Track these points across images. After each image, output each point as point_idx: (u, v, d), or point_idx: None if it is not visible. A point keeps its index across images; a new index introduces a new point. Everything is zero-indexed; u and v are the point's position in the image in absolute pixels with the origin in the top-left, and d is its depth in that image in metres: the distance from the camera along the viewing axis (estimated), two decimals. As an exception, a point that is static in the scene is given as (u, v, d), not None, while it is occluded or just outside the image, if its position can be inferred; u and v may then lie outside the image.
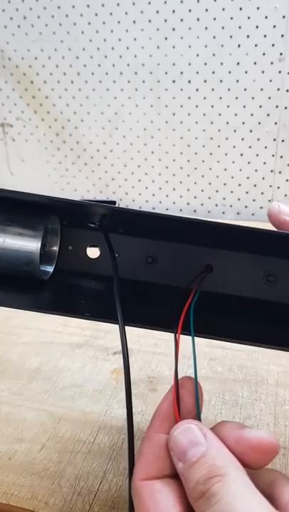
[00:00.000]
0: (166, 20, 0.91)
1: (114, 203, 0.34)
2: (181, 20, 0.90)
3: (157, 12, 0.90)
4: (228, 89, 0.93)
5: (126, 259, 0.36)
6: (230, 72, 0.92)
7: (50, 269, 0.36)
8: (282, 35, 0.87)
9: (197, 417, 0.27)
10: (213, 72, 0.92)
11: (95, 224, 0.35)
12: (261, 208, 1.00)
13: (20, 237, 0.33)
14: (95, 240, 0.37)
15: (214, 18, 0.88)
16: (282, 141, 0.94)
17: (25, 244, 0.33)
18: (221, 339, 0.31)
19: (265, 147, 0.96)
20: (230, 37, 0.89)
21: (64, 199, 0.31)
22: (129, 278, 0.36)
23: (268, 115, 0.93)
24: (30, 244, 0.33)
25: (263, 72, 0.90)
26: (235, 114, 0.95)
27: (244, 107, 0.94)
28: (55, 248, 0.37)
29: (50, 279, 0.36)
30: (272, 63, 0.89)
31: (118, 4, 0.91)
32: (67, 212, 0.35)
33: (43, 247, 0.34)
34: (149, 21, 0.91)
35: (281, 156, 0.96)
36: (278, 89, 0.91)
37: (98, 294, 0.37)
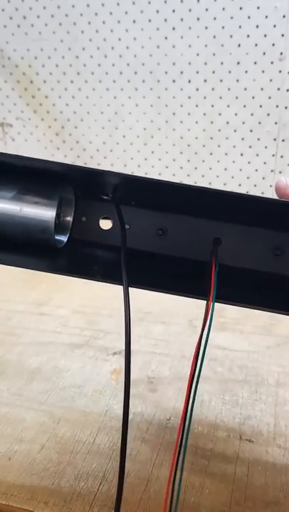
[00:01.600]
0: (166, 20, 0.90)
1: None
2: (181, 19, 0.90)
3: (157, 12, 0.90)
4: (228, 89, 0.93)
5: (137, 230, 0.38)
6: (230, 72, 0.92)
7: (64, 238, 0.38)
8: (283, 35, 0.87)
9: None
10: (214, 72, 0.92)
11: (108, 196, 0.36)
12: (261, 207, 1.00)
13: (37, 205, 0.34)
14: (108, 212, 0.38)
15: (214, 18, 0.88)
16: (283, 140, 0.94)
17: (41, 212, 0.34)
18: (242, 305, 0.33)
19: (266, 147, 0.96)
20: (231, 36, 0.89)
21: (78, 166, 0.32)
22: (138, 248, 0.37)
23: (268, 115, 0.93)
24: (45, 213, 0.34)
25: (263, 71, 0.90)
26: (236, 114, 0.94)
27: (244, 106, 0.94)
28: (70, 218, 0.38)
29: (64, 248, 0.37)
30: (272, 63, 0.89)
31: (118, 4, 0.91)
32: (81, 183, 0.37)
33: (58, 216, 0.36)
34: (149, 21, 0.91)
35: (281, 156, 0.96)
36: (278, 89, 0.91)
37: (110, 262, 0.38)
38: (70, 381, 0.53)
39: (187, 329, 0.63)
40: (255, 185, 0.99)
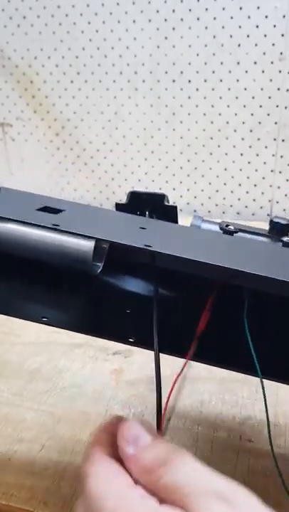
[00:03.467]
0: (166, 20, 0.90)
1: (163, 196, 0.37)
2: (181, 19, 0.90)
3: (157, 11, 0.90)
4: (228, 89, 0.93)
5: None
6: (230, 72, 0.92)
7: (100, 264, 0.37)
8: (283, 35, 0.87)
9: None
10: (214, 72, 0.92)
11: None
12: (261, 207, 1.00)
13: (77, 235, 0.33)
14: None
15: (214, 18, 0.88)
16: (283, 140, 0.94)
17: (81, 242, 0.34)
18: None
19: (266, 147, 0.96)
20: (231, 36, 0.89)
21: (118, 243, 0.29)
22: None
23: (268, 115, 0.93)
24: (85, 243, 0.34)
25: (263, 71, 0.90)
26: (236, 114, 0.94)
27: (244, 106, 0.93)
28: (106, 246, 0.37)
29: (99, 274, 0.37)
30: (272, 63, 0.89)
31: (118, 4, 0.91)
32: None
33: (97, 244, 0.36)
34: (149, 21, 0.91)
35: (281, 156, 0.96)
36: (278, 89, 0.91)
37: (141, 302, 0.37)
38: (70, 381, 0.53)
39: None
40: (255, 185, 0.99)
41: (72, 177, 1.08)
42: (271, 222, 0.38)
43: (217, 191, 1.01)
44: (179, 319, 0.34)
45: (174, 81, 0.95)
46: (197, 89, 0.94)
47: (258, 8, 0.86)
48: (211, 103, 0.95)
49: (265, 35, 0.87)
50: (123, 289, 0.38)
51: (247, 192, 1.00)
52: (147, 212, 0.37)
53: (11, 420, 0.47)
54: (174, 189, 1.04)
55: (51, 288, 0.38)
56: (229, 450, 0.43)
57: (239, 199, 1.01)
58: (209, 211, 1.03)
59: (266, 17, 0.86)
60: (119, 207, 0.38)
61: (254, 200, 1.00)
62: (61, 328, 0.37)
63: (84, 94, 1.01)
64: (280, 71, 0.89)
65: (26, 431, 0.46)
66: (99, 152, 1.05)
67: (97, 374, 0.54)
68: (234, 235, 0.36)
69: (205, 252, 0.30)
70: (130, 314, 0.37)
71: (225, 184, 1.00)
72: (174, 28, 0.91)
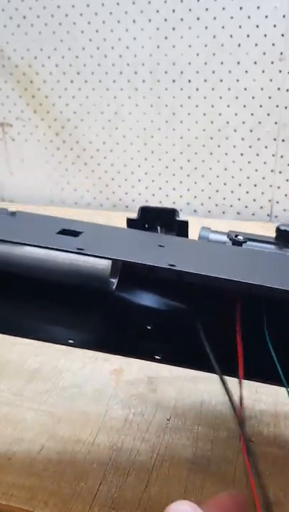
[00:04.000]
0: (166, 20, 0.90)
1: (174, 211, 0.38)
2: (181, 19, 0.90)
3: (157, 11, 0.90)
4: (229, 89, 0.93)
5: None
6: (230, 72, 0.92)
7: (114, 281, 0.37)
8: (283, 35, 0.87)
9: None
10: (214, 72, 0.92)
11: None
12: (261, 207, 1.00)
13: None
14: None
15: (214, 18, 0.88)
16: (283, 140, 0.94)
17: (98, 260, 0.35)
18: None
19: (266, 147, 0.96)
20: (231, 36, 0.89)
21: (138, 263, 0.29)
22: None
23: (268, 115, 0.93)
24: (102, 261, 0.35)
25: (263, 71, 0.90)
26: (236, 114, 0.94)
27: (244, 106, 0.94)
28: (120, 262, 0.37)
29: (114, 290, 0.37)
30: (272, 63, 0.89)
31: (118, 3, 0.91)
32: None
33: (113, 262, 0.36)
34: (149, 21, 0.91)
35: (281, 156, 0.96)
36: (278, 89, 0.91)
37: (160, 316, 0.37)
38: (70, 381, 0.53)
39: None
40: (255, 185, 0.99)
41: (72, 177, 1.08)
42: (278, 229, 0.39)
43: (217, 191, 1.01)
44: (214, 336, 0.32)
45: (174, 81, 0.95)
46: (197, 89, 0.94)
47: (258, 8, 0.86)
48: (211, 103, 0.95)
49: (265, 35, 0.87)
50: (139, 305, 0.38)
51: (247, 192, 1.00)
52: (159, 227, 0.38)
53: (11, 420, 0.47)
54: (174, 189, 1.04)
55: (69, 308, 0.38)
56: (229, 450, 0.43)
57: (239, 199, 1.01)
58: (209, 211, 1.03)
59: (266, 17, 0.86)
60: (130, 222, 0.39)
61: (254, 200, 1.00)
62: (87, 349, 0.38)
63: (84, 94, 1.01)
64: (280, 71, 0.89)
65: (26, 431, 0.46)
66: (99, 152, 1.05)
67: (97, 374, 0.54)
68: (243, 245, 0.37)
69: (228, 267, 0.31)
70: (152, 330, 0.36)
71: (225, 184, 1.00)
72: (174, 28, 0.91)
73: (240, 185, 1.00)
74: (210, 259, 0.33)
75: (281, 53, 0.88)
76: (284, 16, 0.85)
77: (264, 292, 0.27)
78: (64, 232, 0.33)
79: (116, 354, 0.39)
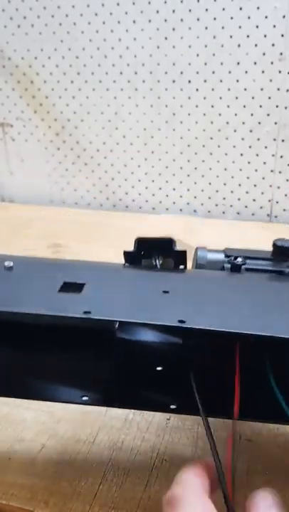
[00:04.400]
0: (166, 20, 0.91)
1: (171, 240, 0.38)
2: (181, 20, 0.90)
3: (157, 12, 0.90)
4: (228, 89, 0.93)
5: None
6: (230, 72, 0.92)
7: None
8: (282, 35, 0.87)
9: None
10: (213, 72, 0.92)
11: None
12: (261, 207, 1.00)
13: None
14: None
15: (214, 18, 0.88)
16: (283, 140, 0.94)
17: None
18: None
19: (265, 147, 0.96)
20: (230, 37, 0.89)
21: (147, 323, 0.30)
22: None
23: (268, 115, 0.93)
24: None
25: (263, 72, 0.90)
26: (235, 114, 0.95)
27: (244, 106, 0.94)
28: None
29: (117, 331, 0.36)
30: (272, 63, 0.89)
31: (118, 4, 0.91)
32: None
33: None
34: (149, 21, 0.91)
35: (281, 156, 0.96)
36: (278, 89, 0.91)
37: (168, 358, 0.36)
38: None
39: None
40: (255, 185, 0.99)
41: (72, 177, 1.09)
42: (274, 245, 0.40)
43: (217, 191, 1.01)
44: (212, 379, 0.33)
45: (174, 81, 0.95)
46: (197, 90, 0.94)
47: (258, 8, 0.86)
48: (211, 103, 0.95)
49: (265, 36, 0.87)
50: (145, 344, 0.37)
51: (247, 192, 1.00)
52: (156, 257, 0.39)
53: (11, 420, 0.48)
54: (174, 189, 1.04)
55: (74, 361, 0.37)
56: (229, 450, 0.43)
57: (239, 199, 1.01)
58: (209, 211, 1.03)
59: (266, 17, 0.86)
60: (127, 255, 0.39)
61: (254, 200, 1.00)
62: (101, 406, 0.39)
63: (84, 94, 1.01)
64: (279, 71, 0.89)
65: (26, 431, 0.46)
66: (99, 152, 1.05)
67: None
68: (242, 267, 0.38)
69: (235, 316, 0.32)
70: (164, 378, 0.35)
71: (225, 184, 1.00)
72: (174, 29, 0.91)
73: (240, 185, 1.00)
74: (215, 306, 0.33)
75: (281, 54, 0.88)
76: (284, 17, 0.85)
77: (267, 339, 0.29)
78: (66, 287, 0.33)
79: (130, 408, 0.39)
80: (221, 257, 0.40)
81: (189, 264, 0.41)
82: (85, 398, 0.37)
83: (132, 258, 0.39)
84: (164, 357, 0.36)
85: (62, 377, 0.38)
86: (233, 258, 0.39)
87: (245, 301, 0.34)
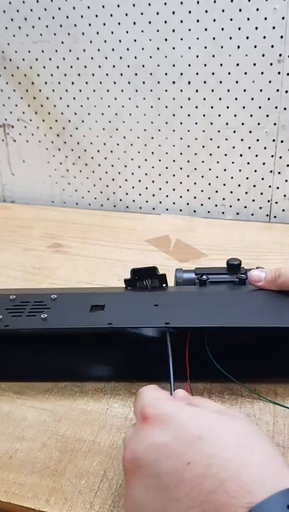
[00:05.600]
0: (166, 22, 0.91)
1: (155, 268, 0.55)
2: (181, 21, 0.90)
3: (157, 13, 0.91)
4: (228, 90, 0.93)
5: None
6: (229, 73, 0.92)
7: None
8: (282, 37, 0.87)
9: None
10: (213, 73, 0.93)
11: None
12: (260, 208, 1.01)
13: None
14: None
15: (214, 20, 0.89)
16: (282, 141, 0.95)
17: None
18: None
19: (265, 148, 0.96)
20: (230, 38, 0.89)
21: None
22: None
23: (268, 116, 0.93)
24: None
25: (262, 73, 0.90)
26: (235, 115, 0.95)
27: (243, 107, 0.94)
28: None
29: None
30: (271, 64, 0.90)
31: (118, 6, 0.92)
32: None
33: None
34: (149, 23, 0.92)
35: (280, 157, 0.96)
36: (277, 90, 0.91)
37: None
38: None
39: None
40: (254, 186, 0.99)
41: (72, 177, 1.09)
42: (227, 263, 0.56)
43: (217, 192, 1.02)
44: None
45: (173, 82, 0.95)
46: (197, 91, 0.95)
47: (257, 10, 0.86)
48: (211, 104, 0.95)
49: (265, 37, 0.88)
50: (145, 337, 0.53)
51: (246, 192, 1.00)
52: (147, 280, 0.55)
53: (12, 419, 0.48)
54: (173, 189, 1.04)
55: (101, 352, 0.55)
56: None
57: (238, 199, 1.01)
58: (209, 211, 1.04)
59: (265, 19, 0.86)
60: (127, 281, 0.56)
61: (253, 200, 1.01)
62: (118, 381, 0.53)
63: (85, 95, 1.01)
64: (279, 73, 0.90)
65: (27, 429, 0.47)
66: (99, 153, 1.05)
67: (97, 373, 0.55)
68: (207, 282, 0.55)
69: (201, 316, 0.49)
70: (158, 356, 0.47)
71: (224, 185, 1.01)
72: (173, 30, 0.91)
73: (239, 185, 1.00)
74: (189, 311, 0.50)
75: (280, 55, 0.88)
76: (283, 18, 0.86)
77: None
78: (94, 308, 0.50)
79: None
80: (193, 275, 0.56)
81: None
82: (107, 374, 0.53)
83: (129, 283, 0.56)
84: (156, 344, 0.51)
85: (94, 363, 0.55)
86: (200, 275, 0.55)
87: (208, 305, 0.50)
